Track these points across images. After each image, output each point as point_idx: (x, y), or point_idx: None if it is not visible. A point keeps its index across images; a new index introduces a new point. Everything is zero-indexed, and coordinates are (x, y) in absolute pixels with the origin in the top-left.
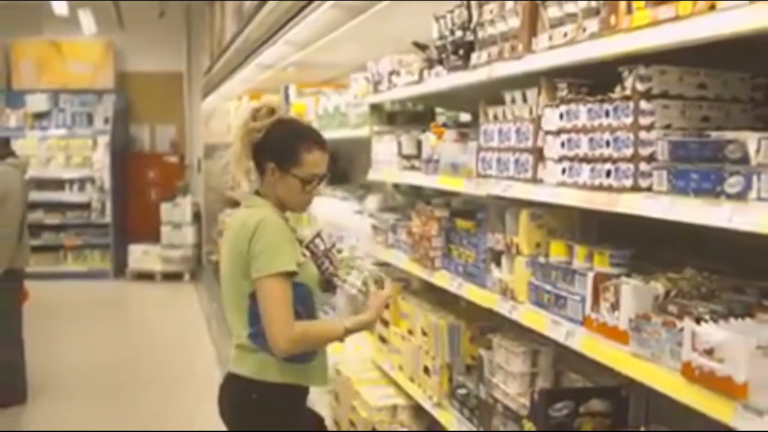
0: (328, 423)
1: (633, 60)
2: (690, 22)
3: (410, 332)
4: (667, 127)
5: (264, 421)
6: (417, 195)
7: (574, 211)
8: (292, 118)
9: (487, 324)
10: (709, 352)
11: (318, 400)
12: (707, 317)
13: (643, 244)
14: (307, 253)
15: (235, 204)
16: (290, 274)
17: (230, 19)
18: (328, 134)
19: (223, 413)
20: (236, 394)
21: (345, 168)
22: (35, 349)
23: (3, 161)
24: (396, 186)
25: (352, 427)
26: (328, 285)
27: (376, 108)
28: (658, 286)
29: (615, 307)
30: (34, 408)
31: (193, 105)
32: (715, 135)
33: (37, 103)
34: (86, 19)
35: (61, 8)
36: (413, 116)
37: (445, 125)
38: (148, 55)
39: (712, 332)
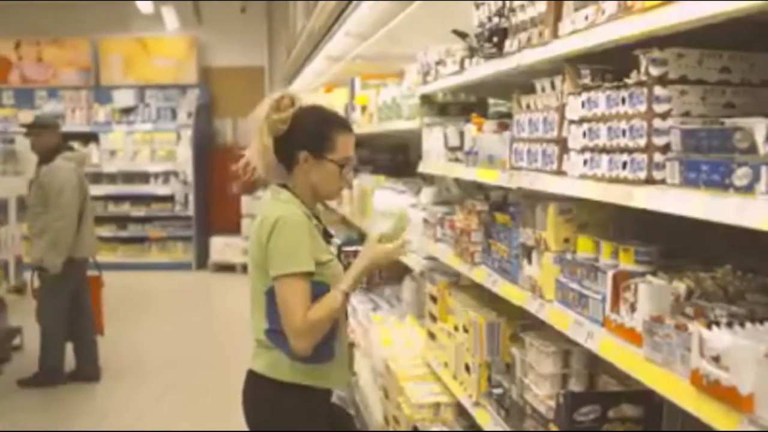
0: (378, 419)
1: (654, 42)
2: None
3: (455, 329)
4: (686, 114)
5: (275, 418)
6: (477, 188)
7: (606, 205)
8: (313, 105)
9: (527, 322)
10: (716, 359)
11: (371, 396)
12: (723, 320)
13: (685, 240)
14: (334, 251)
15: None
16: (308, 274)
17: (301, 12)
18: (385, 126)
19: (244, 409)
20: (251, 390)
21: (414, 160)
22: (116, 335)
23: (60, 156)
24: (456, 179)
25: (396, 424)
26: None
27: (426, 99)
28: (681, 286)
29: (634, 307)
30: (102, 389)
31: None
32: (728, 123)
33: (124, 98)
34: (169, 16)
35: (146, 6)
36: (465, 107)
37: (484, 116)
38: (230, 50)
39: (719, 338)
